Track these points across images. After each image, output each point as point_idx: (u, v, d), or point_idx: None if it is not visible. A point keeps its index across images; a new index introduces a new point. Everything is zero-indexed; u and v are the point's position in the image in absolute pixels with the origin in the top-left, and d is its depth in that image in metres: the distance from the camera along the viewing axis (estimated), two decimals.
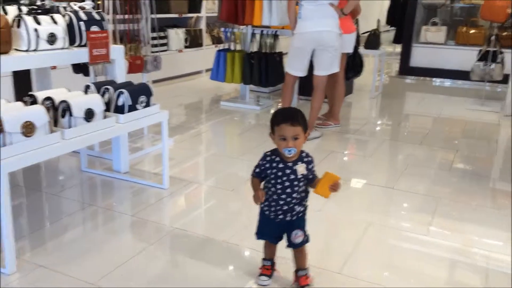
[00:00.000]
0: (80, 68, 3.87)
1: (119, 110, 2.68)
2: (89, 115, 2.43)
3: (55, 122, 2.39)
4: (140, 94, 2.75)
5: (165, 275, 2.14)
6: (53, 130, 2.26)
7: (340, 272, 2.16)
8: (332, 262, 2.24)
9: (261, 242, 2.10)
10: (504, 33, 6.58)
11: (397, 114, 5.38)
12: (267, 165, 1.90)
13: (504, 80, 5.60)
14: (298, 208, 1.95)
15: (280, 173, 1.88)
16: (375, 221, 2.67)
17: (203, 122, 4.82)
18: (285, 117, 1.83)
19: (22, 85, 4.13)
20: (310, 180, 1.92)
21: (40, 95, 2.45)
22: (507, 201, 3.00)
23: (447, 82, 7.32)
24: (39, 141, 2.15)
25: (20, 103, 2.27)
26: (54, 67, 4.08)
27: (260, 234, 2.05)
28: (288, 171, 1.87)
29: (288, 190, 1.89)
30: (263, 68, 5.08)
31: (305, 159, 1.90)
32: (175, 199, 2.94)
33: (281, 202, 1.91)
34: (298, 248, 2.01)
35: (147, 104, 2.82)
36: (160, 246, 2.39)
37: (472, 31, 7.16)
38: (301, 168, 1.87)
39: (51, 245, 2.37)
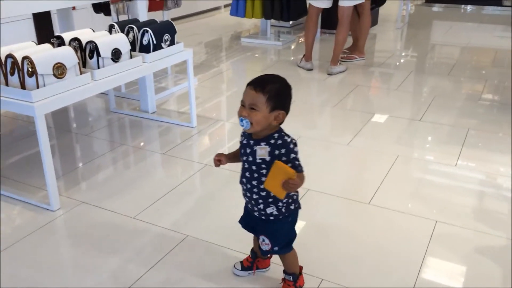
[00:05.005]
0: (101, 8, 3.81)
1: (144, 49, 2.67)
2: (116, 55, 2.43)
3: (83, 63, 2.40)
4: (164, 32, 2.72)
5: (200, 208, 2.23)
6: (82, 71, 2.28)
7: (369, 203, 2.22)
8: (362, 193, 2.29)
9: None
10: None
11: (423, 45, 5.22)
12: (240, 139, 1.55)
13: None
14: (268, 209, 1.50)
15: (242, 150, 1.50)
16: (402, 154, 2.68)
17: (224, 60, 4.77)
18: (253, 80, 1.42)
19: (43, 28, 4.10)
20: None
21: (66, 36, 2.45)
22: None
23: (476, 9, 6.98)
24: (71, 82, 2.17)
25: (48, 45, 2.28)
26: (73, 8, 4.03)
27: (241, 218, 1.68)
28: (248, 150, 1.47)
29: (247, 175, 1.49)
30: (284, 1, 4.91)
31: (272, 141, 1.42)
32: (203, 136, 2.99)
33: (244, 187, 1.53)
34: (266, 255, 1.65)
35: (172, 43, 2.79)
36: (193, 182, 2.47)
37: None
38: (261, 151, 1.43)
39: (88, 183, 2.47)
